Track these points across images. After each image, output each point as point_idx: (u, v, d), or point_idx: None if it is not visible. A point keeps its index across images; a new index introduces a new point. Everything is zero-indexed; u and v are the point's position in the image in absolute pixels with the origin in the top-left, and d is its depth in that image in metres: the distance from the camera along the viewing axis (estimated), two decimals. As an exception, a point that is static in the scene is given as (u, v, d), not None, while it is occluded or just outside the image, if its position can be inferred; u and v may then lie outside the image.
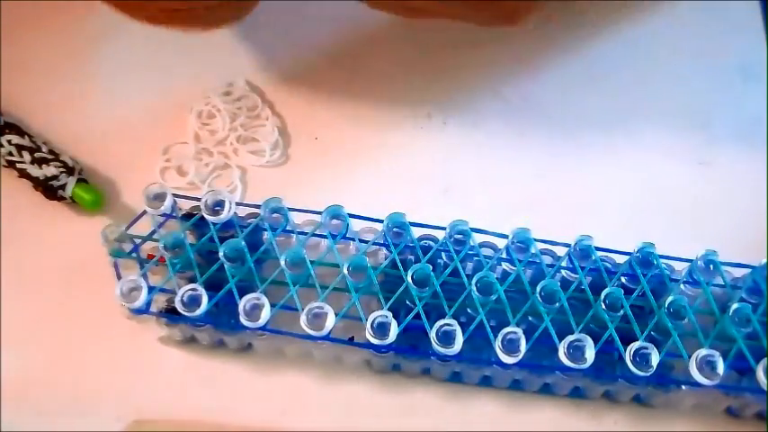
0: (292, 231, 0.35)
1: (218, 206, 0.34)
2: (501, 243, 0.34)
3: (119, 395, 0.34)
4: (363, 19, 0.45)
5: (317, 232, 0.34)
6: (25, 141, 0.38)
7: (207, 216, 0.34)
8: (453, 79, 0.44)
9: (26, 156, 0.38)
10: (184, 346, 0.35)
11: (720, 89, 0.44)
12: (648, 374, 0.31)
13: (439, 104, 0.43)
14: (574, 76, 0.44)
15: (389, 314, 0.31)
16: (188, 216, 0.35)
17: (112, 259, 0.34)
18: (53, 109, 0.41)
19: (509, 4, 0.34)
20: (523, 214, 0.37)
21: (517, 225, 0.34)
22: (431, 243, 0.34)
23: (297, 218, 0.35)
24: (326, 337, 0.32)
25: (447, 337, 0.31)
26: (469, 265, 0.35)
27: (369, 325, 0.31)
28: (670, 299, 0.32)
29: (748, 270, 0.34)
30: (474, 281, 0.32)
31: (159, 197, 0.34)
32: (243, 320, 0.31)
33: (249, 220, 0.35)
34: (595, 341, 0.31)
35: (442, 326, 0.31)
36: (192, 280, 0.33)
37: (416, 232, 0.35)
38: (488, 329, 0.32)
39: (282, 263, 0.32)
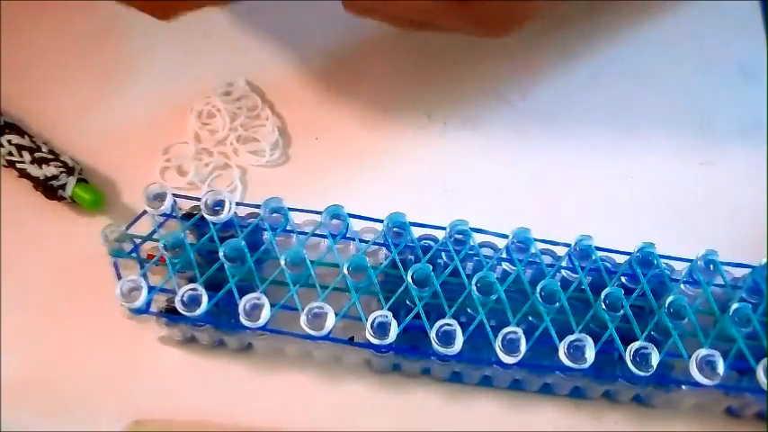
0: (292, 231, 0.35)
1: (218, 206, 0.34)
2: (501, 243, 0.34)
3: (119, 395, 0.34)
4: (364, 20, 0.45)
5: (317, 232, 0.34)
6: (25, 141, 0.38)
7: (207, 216, 0.34)
8: (453, 80, 0.44)
9: (26, 156, 0.38)
10: (184, 346, 0.35)
11: (720, 89, 0.44)
12: (648, 374, 0.31)
13: (439, 105, 0.43)
14: (574, 76, 0.44)
15: (389, 314, 0.31)
16: (188, 216, 0.35)
17: (112, 259, 0.34)
18: (53, 109, 0.41)
19: (496, 16, 0.34)
20: (523, 214, 0.37)
21: (517, 225, 0.34)
22: (431, 243, 0.34)
23: (297, 218, 0.35)
24: (326, 337, 0.32)
25: (447, 337, 0.31)
26: (469, 265, 0.35)
27: (369, 325, 0.31)
28: (670, 299, 0.32)
29: (748, 270, 0.34)
30: (474, 281, 0.32)
31: (159, 197, 0.34)
32: (243, 320, 0.31)
33: (249, 220, 0.35)
34: (595, 341, 0.31)
35: (441, 326, 0.31)
36: (192, 280, 0.33)
37: (416, 232, 0.35)
38: (488, 329, 0.32)
39: (282, 263, 0.32)
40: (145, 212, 0.34)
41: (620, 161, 0.41)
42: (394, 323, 0.31)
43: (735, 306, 0.32)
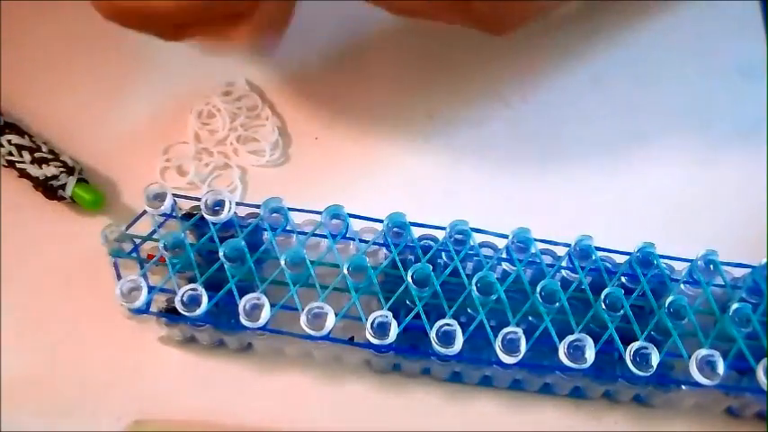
0: (292, 231, 0.35)
1: (218, 206, 0.34)
2: (501, 243, 0.34)
3: (119, 395, 0.34)
4: (364, 19, 0.45)
5: (317, 232, 0.34)
6: (25, 141, 0.38)
7: (207, 216, 0.34)
8: (454, 80, 0.44)
9: (26, 156, 0.38)
10: (184, 346, 0.35)
11: (720, 89, 0.44)
12: (648, 374, 0.31)
13: (440, 105, 0.43)
14: (574, 76, 0.44)
15: (389, 314, 0.31)
16: (188, 216, 0.35)
17: (112, 259, 0.34)
18: (53, 109, 0.41)
19: (496, 14, 0.34)
20: (523, 214, 0.37)
21: (517, 225, 0.34)
22: (431, 243, 0.34)
23: (297, 218, 0.35)
24: (326, 337, 0.32)
25: (447, 337, 0.31)
26: (469, 265, 0.35)
27: (369, 325, 0.31)
28: (670, 299, 0.32)
29: (748, 270, 0.34)
30: (474, 281, 0.32)
31: (159, 197, 0.34)
32: (243, 320, 0.31)
33: (249, 220, 0.35)
34: (595, 341, 0.31)
35: (441, 326, 0.31)
36: (192, 280, 0.33)
37: (416, 232, 0.35)
38: (488, 329, 0.32)
39: (282, 263, 0.32)
40: (145, 212, 0.34)
41: (620, 161, 0.41)
42: (394, 323, 0.31)
43: (735, 306, 0.32)
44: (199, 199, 0.34)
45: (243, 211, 0.35)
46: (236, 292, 0.32)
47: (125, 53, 0.43)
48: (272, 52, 0.39)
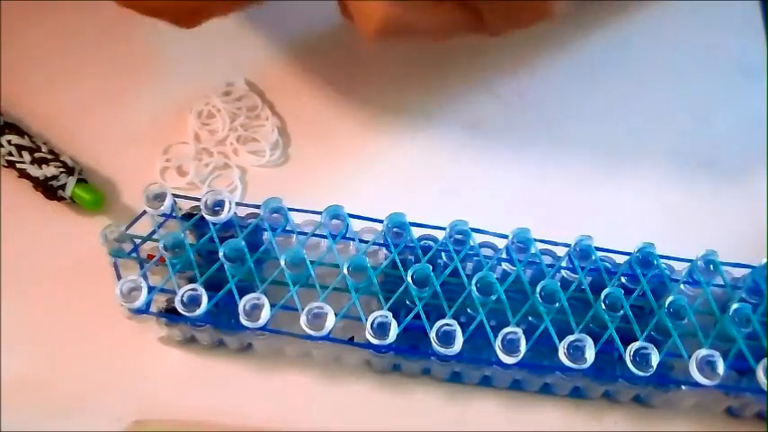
0: (292, 231, 0.35)
1: (218, 206, 0.34)
2: (501, 243, 0.34)
3: (119, 395, 0.34)
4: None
5: (317, 232, 0.34)
6: (25, 141, 0.38)
7: (207, 216, 0.34)
8: (453, 80, 0.44)
9: (26, 156, 0.38)
10: (184, 346, 0.35)
11: (720, 89, 0.44)
12: (648, 374, 0.31)
13: (439, 105, 0.43)
14: (573, 76, 0.44)
15: (389, 314, 0.31)
16: (188, 216, 0.35)
17: (112, 259, 0.34)
18: (53, 109, 0.41)
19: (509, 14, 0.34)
20: (523, 214, 0.37)
21: (517, 225, 0.34)
22: (431, 243, 0.34)
23: (297, 218, 0.35)
24: (326, 337, 0.32)
25: (447, 337, 0.31)
26: (469, 265, 0.35)
27: (369, 325, 0.31)
28: (670, 299, 0.32)
29: (748, 270, 0.34)
30: (474, 281, 0.32)
31: (159, 197, 0.34)
32: (243, 320, 0.31)
33: (249, 220, 0.35)
34: (595, 341, 0.31)
35: (442, 326, 0.31)
36: (192, 280, 0.33)
37: (416, 232, 0.35)
38: (488, 329, 0.32)
39: (282, 263, 0.32)
40: (145, 212, 0.34)
41: (620, 161, 0.41)
42: (394, 323, 0.31)
43: (735, 306, 0.32)
44: (199, 199, 0.34)
45: (243, 212, 0.35)
46: (236, 292, 0.32)
47: (125, 53, 0.43)
48: None
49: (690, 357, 0.31)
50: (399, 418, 0.34)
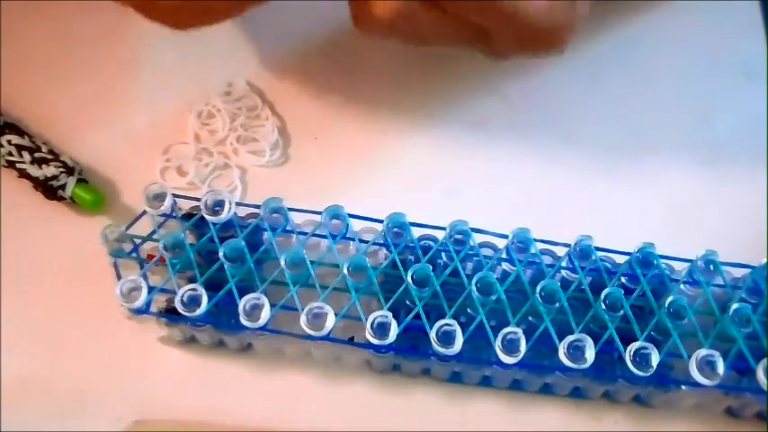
0: (292, 231, 0.35)
1: (218, 206, 0.34)
2: (501, 243, 0.34)
3: (119, 395, 0.34)
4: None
5: (317, 232, 0.34)
6: (25, 141, 0.38)
7: (207, 216, 0.34)
8: (454, 79, 0.44)
9: (26, 156, 0.38)
10: (184, 346, 0.35)
11: (721, 89, 0.44)
12: (648, 374, 0.31)
13: (439, 104, 0.43)
14: (574, 75, 0.44)
15: (389, 314, 0.31)
16: (188, 216, 0.35)
17: (112, 259, 0.34)
18: (53, 109, 0.41)
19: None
20: (523, 214, 0.37)
21: (517, 225, 0.34)
22: (431, 243, 0.34)
23: (297, 218, 0.35)
24: (326, 337, 0.32)
25: (447, 337, 0.31)
26: (469, 265, 0.35)
27: (369, 325, 0.31)
28: (670, 299, 0.32)
29: (748, 270, 0.34)
30: (474, 281, 0.32)
31: (159, 197, 0.34)
32: (243, 320, 0.31)
33: (249, 220, 0.35)
34: (595, 341, 0.31)
35: (442, 326, 0.31)
36: (192, 280, 0.33)
37: (416, 232, 0.35)
38: (488, 329, 0.32)
39: (282, 263, 0.32)
40: (145, 212, 0.34)
41: (620, 161, 0.41)
42: (394, 323, 0.31)
43: (735, 306, 0.32)
44: (199, 199, 0.34)
45: (243, 211, 0.35)
46: (236, 292, 0.32)
47: (125, 53, 0.43)
48: None
49: (690, 357, 0.31)
50: (399, 418, 0.34)
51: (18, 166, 0.38)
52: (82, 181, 0.38)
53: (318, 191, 0.39)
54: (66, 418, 0.33)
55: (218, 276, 0.33)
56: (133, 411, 0.33)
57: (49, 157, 0.38)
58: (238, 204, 0.35)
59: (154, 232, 0.34)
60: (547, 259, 0.34)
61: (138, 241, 0.34)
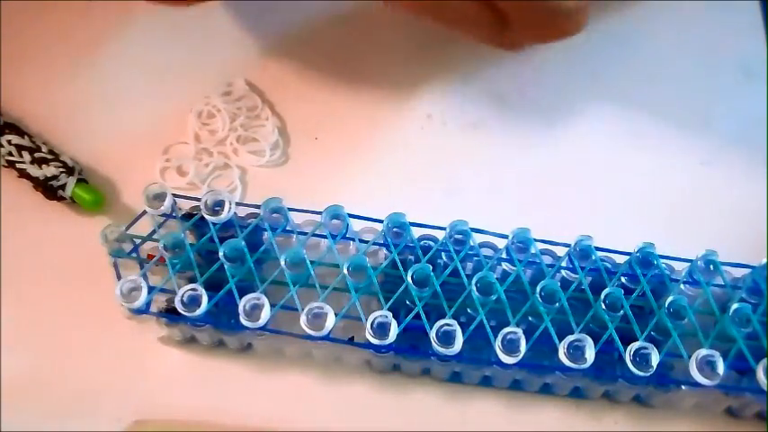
0: (292, 231, 0.35)
1: (218, 206, 0.34)
2: (501, 243, 0.34)
3: (119, 395, 0.34)
4: (364, 19, 0.45)
5: (317, 232, 0.34)
6: (25, 141, 0.38)
7: (207, 216, 0.34)
8: (453, 79, 0.44)
9: (26, 156, 0.38)
10: (184, 346, 0.35)
11: (721, 89, 0.44)
12: (648, 374, 0.31)
13: (439, 104, 0.43)
14: (574, 75, 0.44)
15: (389, 314, 0.31)
16: (188, 216, 0.35)
17: (112, 259, 0.34)
18: (53, 109, 0.41)
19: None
20: (523, 214, 0.37)
21: (517, 225, 0.34)
22: (431, 243, 0.34)
23: (297, 218, 0.35)
24: (326, 337, 0.32)
25: (447, 337, 0.31)
26: (469, 265, 0.35)
27: (369, 325, 0.31)
28: (670, 299, 0.32)
29: (748, 270, 0.34)
30: (474, 281, 0.32)
31: (159, 197, 0.34)
32: (243, 320, 0.31)
33: (249, 220, 0.35)
34: (595, 341, 0.31)
35: (442, 326, 0.31)
36: (192, 280, 0.33)
37: (416, 232, 0.35)
38: (488, 329, 0.32)
39: (282, 263, 0.32)
40: (145, 212, 0.34)
41: (620, 161, 0.41)
42: (394, 323, 0.31)
43: (735, 306, 0.32)
44: (199, 199, 0.34)
45: (243, 211, 0.35)
46: (236, 292, 0.32)
47: (125, 53, 0.43)
48: None
49: (690, 357, 0.31)
50: (399, 418, 0.34)
51: (18, 166, 0.38)
52: (82, 181, 0.38)
53: (318, 191, 0.39)
54: (66, 418, 0.33)
55: (218, 276, 0.33)
56: (133, 411, 0.33)
57: (49, 157, 0.38)
58: (238, 204, 0.35)
59: (154, 232, 0.34)
60: (547, 259, 0.34)
61: (138, 241, 0.34)
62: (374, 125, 0.42)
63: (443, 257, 0.34)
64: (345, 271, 0.32)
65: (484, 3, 0.34)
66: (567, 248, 0.34)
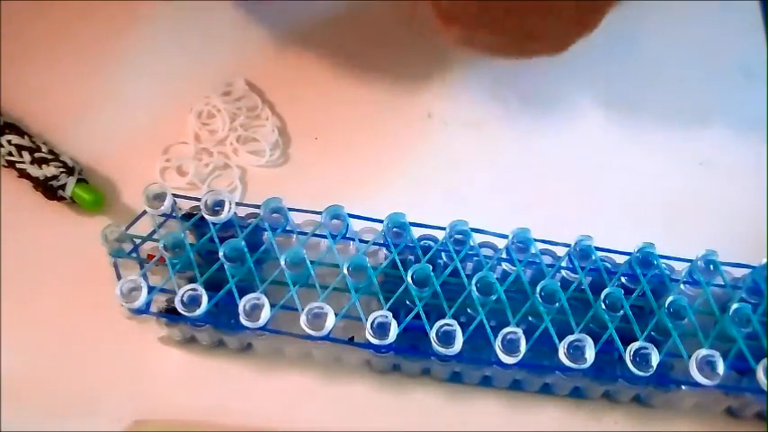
0: (292, 231, 0.35)
1: (218, 206, 0.34)
2: (501, 243, 0.34)
3: (119, 395, 0.34)
4: (364, 19, 0.45)
5: (317, 232, 0.34)
6: (25, 141, 0.38)
7: (207, 216, 0.34)
8: (453, 79, 0.44)
9: (26, 156, 0.38)
10: (184, 346, 0.35)
11: (721, 89, 0.44)
12: (648, 374, 0.31)
13: (439, 104, 0.43)
14: (574, 76, 0.44)
15: (389, 314, 0.31)
16: (188, 216, 0.35)
17: (112, 259, 0.34)
18: (53, 109, 0.41)
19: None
20: (523, 214, 0.37)
21: (517, 225, 0.34)
22: (431, 243, 0.34)
23: (297, 218, 0.35)
24: (326, 337, 0.32)
25: (447, 337, 0.31)
26: (469, 265, 0.35)
27: (369, 325, 0.31)
28: (670, 299, 0.32)
29: (748, 270, 0.34)
30: (474, 281, 0.32)
31: (159, 197, 0.34)
32: (243, 320, 0.31)
33: (249, 220, 0.35)
34: (595, 341, 0.31)
35: (442, 326, 0.31)
36: (192, 280, 0.33)
37: (416, 232, 0.35)
38: (488, 329, 0.32)
39: (282, 263, 0.32)
40: (145, 212, 0.34)
41: (621, 161, 0.41)
42: (394, 323, 0.31)
43: (735, 306, 0.32)
44: (199, 199, 0.34)
45: (243, 211, 0.35)
46: (236, 292, 0.32)
47: (125, 53, 0.43)
48: None
49: (690, 357, 0.31)
50: (399, 418, 0.34)
51: (18, 166, 0.38)
52: (82, 181, 0.38)
53: (318, 191, 0.39)
54: (66, 418, 0.33)
55: (218, 276, 0.33)
56: (133, 411, 0.33)
57: (49, 157, 0.38)
58: (238, 204, 0.35)
59: (154, 232, 0.34)
60: (547, 259, 0.34)
61: (138, 241, 0.34)
62: (374, 125, 0.42)
63: (443, 257, 0.34)
64: (345, 271, 0.32)
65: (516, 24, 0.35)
66: (567, 248, 0.34)
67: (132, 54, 0.43)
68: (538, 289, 0.32)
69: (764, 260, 0.34)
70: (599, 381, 0.33)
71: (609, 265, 0.34)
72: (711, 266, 0.34)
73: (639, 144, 0.42)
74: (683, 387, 0.32)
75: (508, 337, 0.31)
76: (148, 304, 0.33)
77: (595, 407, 0.35)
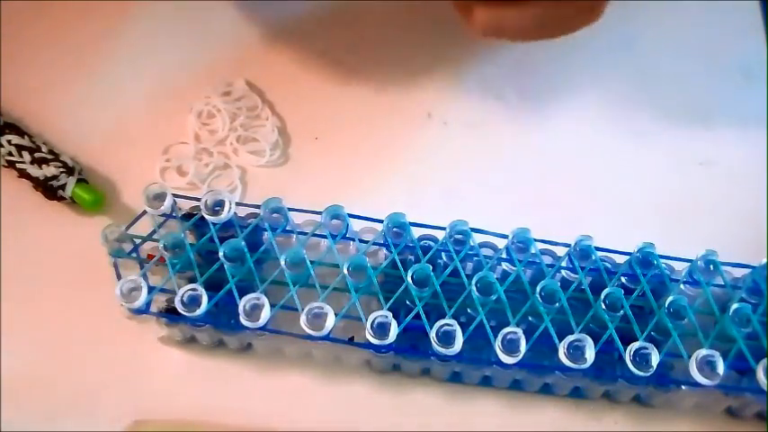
0: (292, 231, 0.35)
1: (218, 206, 0.34)
2: (501, 243, 0.34)
3: (119, 395, 0.34)
4: (364, 19, 0.45)
5: (317, 232, 0.34)
6: (25, 141, 0.38)
7: (207, 216, 0.34)
8: (453, 79, 0.44)
9: (26, 156, 0.38)
10: (184, 346, 0.35)
11: (721, 89, 0.44)
12: (648, 374, 0.31)
13: (439, 104, 0.43)
14: (574, 76, 0.44)
15: (389, 314, 0.31)
16: (188, 216, 0.35)
17: (112, 259, 0.34)
18: (53, 109, 0.41)
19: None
20: (523, 214, 0.37)
21: (517, 225, 0.34)
22: (431, 243, 0.34)
23: (297, 218, 0.35)
24: (326, 337, 0.32)
25: (447, 337, 0.31)
26: (469, 265, 0.35)
27: (369, 325, 0.31)
28: (670, 299, 0.32)
29: (748, 270, 0.34)
30: (474, 281, 0.32)
31: (159, 197, 0.34)
32: (243, 320, 0.31)
33: (249, 220, 0.35)
34: (595, 341, 0.31)
35: (442, 326, 0.31)
36: (192, 280, 0.33)
37: (416, 232, 0.35)
38: (488, 329, 0.32)
39: (282, 263, 0.32)
40: (145, 212, 0.34)
41: (620, 161, 0.41)
42: (394, 323, 0.31)
43: (735, 306, 0.32)
44: (199, 199, 0.34)
45: (243, 211, 0.35)
46: (236, 292, 0.32)
47: (125, 53, 0.43)
48: None
49: (690, 357, 0.31)
50: (399, 418, 0.34)
51: (18, 166, 0.38)
52: (82, 181, 0.38)
53: (318, 191, 0.39)
54: (66, 418, 0.33)
55: (218, 276, 0.33)
56: (133, 411, 0.33)
57: (49, 157, 0.38)
58: (238, 204, 0.35)
59: (154, 232, 0.34)
60: (547, 259, 0.34)
61: (138, 241, 0.34)
62: (374, 125, 0.42)
63: (443, 257, 0.34)
64: (345, 271, 0.32)
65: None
66: (567, 248, 0.34)
67: (132, 54, 0.43)
68: (538, 289, 0.32)
69: (764, 260, 0.34)
70: (599, 381, 0.33)
71: (609, 265, 0.34)
72: (711, 266, 0.34)
73: (639, 144, 0.42)
74: (683, 387, 0.32)
75: (508, 337, 0.31)
76: (148, 304, 0.33)
77: (595, 407, 0.35)
